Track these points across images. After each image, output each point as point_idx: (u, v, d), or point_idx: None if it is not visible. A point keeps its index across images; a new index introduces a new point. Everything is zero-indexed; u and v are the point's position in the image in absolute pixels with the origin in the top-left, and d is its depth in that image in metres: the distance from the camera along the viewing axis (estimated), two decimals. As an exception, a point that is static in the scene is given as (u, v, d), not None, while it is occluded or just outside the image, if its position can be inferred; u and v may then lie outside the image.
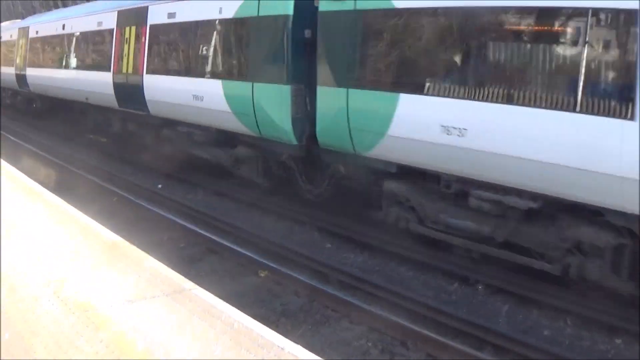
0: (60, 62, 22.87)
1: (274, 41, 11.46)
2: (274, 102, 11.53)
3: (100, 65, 18.89)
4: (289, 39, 11.17)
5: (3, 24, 33.28)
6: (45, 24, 25.46)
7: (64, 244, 7.30)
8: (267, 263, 9.80)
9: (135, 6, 16.92)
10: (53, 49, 23.87)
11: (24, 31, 27.34)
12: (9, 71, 29.38)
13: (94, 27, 19.70)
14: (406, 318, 8.21)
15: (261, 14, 11.79)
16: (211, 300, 5.91)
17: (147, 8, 16.09)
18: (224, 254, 10.49)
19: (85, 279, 6.25)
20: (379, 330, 8.07)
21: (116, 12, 18.00)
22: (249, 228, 11.55)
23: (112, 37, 18.01)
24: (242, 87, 12.30)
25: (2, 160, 13.42)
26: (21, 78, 27.21)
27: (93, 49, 20.04)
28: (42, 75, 24.78)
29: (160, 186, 15.48)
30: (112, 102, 18.15)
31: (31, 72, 26.14)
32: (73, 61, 21.61)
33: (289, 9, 11.13)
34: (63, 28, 22.54)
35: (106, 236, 7.63)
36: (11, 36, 29.53)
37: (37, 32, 25.94)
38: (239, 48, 12.83)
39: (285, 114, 11.35)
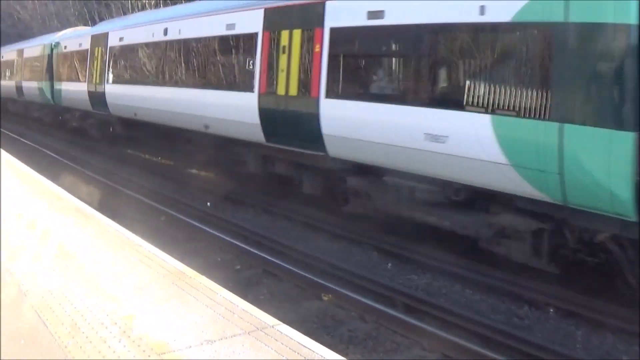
0: (163, 78, 17.00)
1: (605, 62, 7.48)
2: (605, 155, 7.38)
3: (234, 84, 13.72)
4: (636, 60, 7.14)
5: (64, 31, 29.36)
6: (134, 28, 19.36)
7: (125, 274, 6.48)
8: (329, 285, 8.91)
9: (300, 3, 11.82)
10: (149, 61, 17.95)
11: (101, 39, 21.55)
12: (75, 87, 23.63)
13: (219, 31, 14.15)
14: (480, 344, 7.52)
15: (574, 19, 7.64)
16: (298, 337, 5.08)
17: (323, 5, 11.09)
18: (282, 276, 9.60)
19: (155, 315, 5.44)
20: (455, 358, 7.32)
21: (262, 11, 12.76)
22: (304, 248, 10.63)
23: (256, 44, 12.68)
24: (538, 129, 7.87)
25: (69, 193, 11.70)
26: (97, 97, 21.44)
27: (219, 60, 14.53)
28: (130, 95, 18.79)
29: (209, 204, 14.18)
30: (255, 134, 12.76)
31: (113, 90, 20.19)
32: (184, 77, 15.97)
33: (631, 15, 7.08)
34: (165, 33, 16.69)
35: (171, 264, 6.77)
36: (80, 45, 23.56)
37: (121, 39, 19.89)
38: (526, 67, 8.29)
39: (623, 174, 7.25)
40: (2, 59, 37.67)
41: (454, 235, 9.65)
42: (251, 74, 12.86)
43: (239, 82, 13.51)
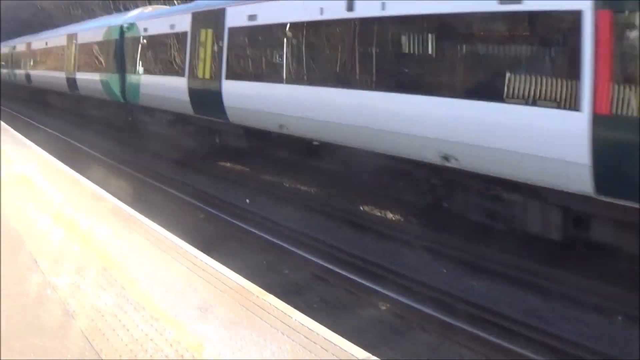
0: (346, 77, 10.90)
1: None
2: None
3: (522, 93, 7.87)
4: None
5: (136, 10, 22.82)
6: (278, 2, 12.73)
7: (184, 292, 5.66)
8: (384, 293, 8.10)
9: None
10: (316, 51, 11.86)
11: (211, 18, 15.40)
12: (164, 83, 17.65)
13: (475, 6, 8.42)
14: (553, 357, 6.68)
15: None
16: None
17: None
18: (333, 281, 8.77)
19: (226, 344, 4.64)
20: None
21: None
22: (352, 249, 9.77)
23: (580, 25, 7.18)
24: None
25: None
26: (205, 97, 15.38)
27: (475, 51, 8.83)
28: (274, 98, 12.60)
29: (248, 201, 12.90)
30: (576, 179, 7.43)
31: (237, 89, 14.05)
32: (400, 76, 9.90)
33: None
34: (349, 8, 10.58)
35: (233, 280, 5.94)
36: (172, 27, 17.39)
37: (251, 17, 13.52)
38: None
39: None
40: (45, 46, 31.10)
41: None
42: (564, 75, 7.46)
43: (531, 89, 7.78)
